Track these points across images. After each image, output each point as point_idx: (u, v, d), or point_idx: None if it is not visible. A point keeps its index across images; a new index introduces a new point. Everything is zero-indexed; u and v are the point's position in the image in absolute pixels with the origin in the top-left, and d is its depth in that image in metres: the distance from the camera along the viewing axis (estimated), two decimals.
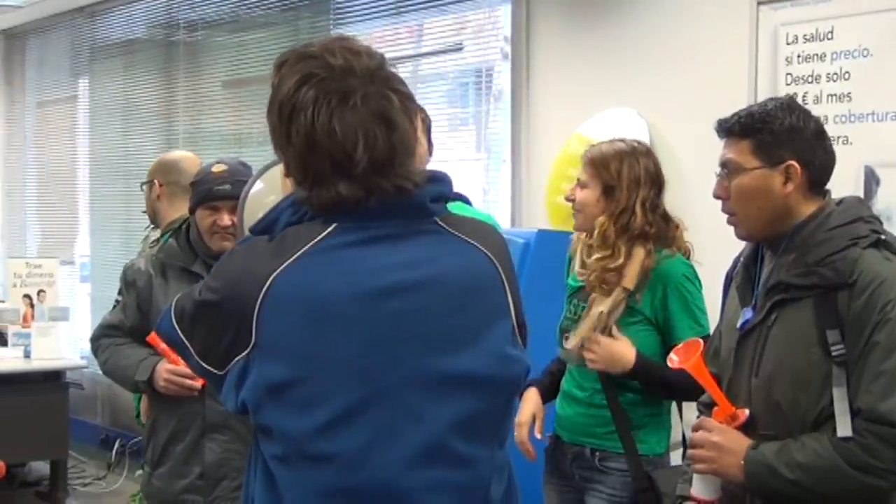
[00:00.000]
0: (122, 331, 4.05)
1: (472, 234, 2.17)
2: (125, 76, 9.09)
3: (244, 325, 2.00)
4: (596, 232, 3.63)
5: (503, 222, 5.48)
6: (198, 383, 3.85)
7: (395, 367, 2.00)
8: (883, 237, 2.69)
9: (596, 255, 3.61)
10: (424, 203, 2.10)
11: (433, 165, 3.21)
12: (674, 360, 2.93)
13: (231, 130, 8.04)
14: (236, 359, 2.02)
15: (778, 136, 2.74)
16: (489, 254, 2.15)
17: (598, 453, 3.67)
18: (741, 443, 2.70)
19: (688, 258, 3.66)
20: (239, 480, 3.93)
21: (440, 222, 2.13)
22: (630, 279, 3.55)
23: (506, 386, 2.13)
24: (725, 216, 2.86)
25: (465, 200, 3.49)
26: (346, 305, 1.98)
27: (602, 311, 3.57)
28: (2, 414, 7.15)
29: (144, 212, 5.15)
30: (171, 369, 3.80)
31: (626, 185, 3.60)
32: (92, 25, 9.41)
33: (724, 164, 2.82)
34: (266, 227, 2.11)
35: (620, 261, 3.56)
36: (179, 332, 2.14)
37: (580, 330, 3.63)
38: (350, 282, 2.00)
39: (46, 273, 7.87)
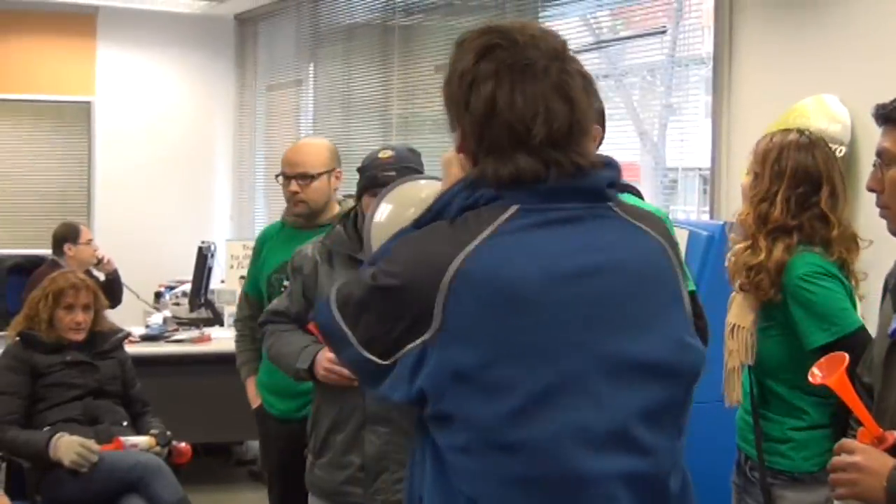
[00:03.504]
0: (288, 317, 4.01)
1: (643, 220, 2.11)
2: (345, 61, 9.16)
3: (426, 310, 1.93)
4: (736, 218, 3.41)
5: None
6: None
7: (582, 352, 1.95)
8: None
9: (737, 246, 3.37)
10: (602, 186, 2.05)
11: None
12: (816, 375, 2.71)
13: (442, 115, 7.93)
14: (409, 346, 1.96)
15: None
16: (662, 242, 2.10)
17: (749, 461, 3.45)
18: (885, 463, 2.44)
19: (839, 260, 3.32)
20: (399, 473, 3.87)
21: (614, 208, 2.07)
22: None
23: (687, 374, 2.07)
24: None
25: (636, 192, 3.34)
26: (535, 289, 1.93)
27: (735, 326, 3.35)
28: (217, 392, 7.27)
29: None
30: (332, 358, 3.74)
31: (770, 173, 3.34)
32: (317, 10, 9.51)
33: (879, 154, 2.58)
34: (435, 215, 2.05)
35: (761, 256, 3.28)
36: (341, 320, 2.05)
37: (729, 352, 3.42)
38: (538, 265, 1.95)
39: None
